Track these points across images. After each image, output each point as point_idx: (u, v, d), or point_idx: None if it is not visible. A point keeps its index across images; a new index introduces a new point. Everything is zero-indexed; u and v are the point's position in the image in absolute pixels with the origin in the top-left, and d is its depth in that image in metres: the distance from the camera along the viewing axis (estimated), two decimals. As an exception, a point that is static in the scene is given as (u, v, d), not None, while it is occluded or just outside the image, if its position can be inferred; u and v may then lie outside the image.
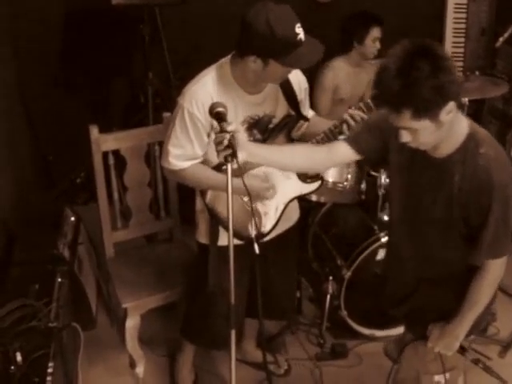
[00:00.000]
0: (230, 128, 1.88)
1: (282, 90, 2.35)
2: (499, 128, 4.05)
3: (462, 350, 2.14)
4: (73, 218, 3.08)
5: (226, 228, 2.36)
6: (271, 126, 2.41)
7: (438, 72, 1.64)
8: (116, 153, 2.89)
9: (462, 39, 4.49)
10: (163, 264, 2.98)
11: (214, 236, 2.46)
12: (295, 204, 2.64)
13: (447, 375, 2.21)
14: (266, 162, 2.14)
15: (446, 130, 1.79)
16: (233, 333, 2.02)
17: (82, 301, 3.00)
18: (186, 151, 2.27)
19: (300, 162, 2.16)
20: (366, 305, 3.25)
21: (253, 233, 2.25)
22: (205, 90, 2.20)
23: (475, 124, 1.91)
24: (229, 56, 2.27)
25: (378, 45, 3.62)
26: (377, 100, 1.81)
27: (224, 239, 2.40)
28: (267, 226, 2.47)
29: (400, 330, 3.22)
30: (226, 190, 1.84)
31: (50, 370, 2.17)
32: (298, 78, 2.41)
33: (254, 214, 2.16)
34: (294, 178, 2.47)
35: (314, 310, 3.49)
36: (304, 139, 2.48)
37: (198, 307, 2.67)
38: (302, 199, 3.43)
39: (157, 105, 3.74)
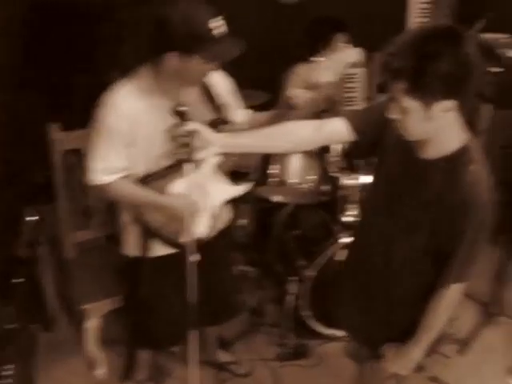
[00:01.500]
0: (189, 127, 1.88)
1: (204, 94, 2.32)
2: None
3: (419, 369, 2.11)
4: (33, 218, 3.03)
5: (159, 237, 2.39)
6: None
7: (455, 63, 1.55)
8: (77, 152, 2.86)
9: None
10: (123, 265, 2.94)
11: (146, 247, 2.40)
12: (226, 206, 2.60)
13: None
14: (246, 149, 2.04)
15: (437, 129, 1.70)
16: (193, 333, 2.02)
17: (42, 302, 2.96)
18: (108, 164, 2.19)
19: (283, 142, 2.00)
20: (327, 305, 3.28)
21: (187, 240, 2.16)
22: (125, 101, 2.11)
23: (477, 142, 1.80)
24: (145, 65, 2.18)
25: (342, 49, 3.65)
26: (385, 59, 1.64)
27: (157, 249, 2.42)
28: (201, 230, 2.43)
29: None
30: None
31: (7, 373, 2.14)
32: (221, 81, 2.39)
33: (186, 224, 2.09)
34: (225, 181, 2.44)
35: (276, 311, 3.49)
36: None
37: (136, 314, 2.66)
38: (264, 200, 3.48)
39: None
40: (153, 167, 2.25)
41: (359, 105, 4.55)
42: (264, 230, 3.66)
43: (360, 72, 4.50)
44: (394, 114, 1.70)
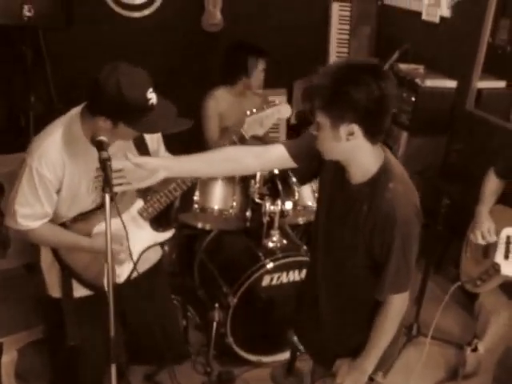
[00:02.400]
0: (104, 156, 1.91)
1: (133, 141, 2.33)
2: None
3: (371, 381, 2.13)
4: None
5: (79, 280, 2.39)
6: None
7: (369, 96, 1.67)
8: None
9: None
10: (42, 295, 2.85)
11: (67, 288, 2.39)
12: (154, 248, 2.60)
13: None
14: (189, 173, 2.09)
15: (349, 152, 1.80)
16: (113, 367, 1.96)
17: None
18: (35, 211, 2.19)
19: (225, 168, 2.08)
20: (252, 331, 3.28)
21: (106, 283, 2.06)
22: (54, 148, 2.13)
23: (393, 158, 1.91)
24: (79, 108, 2.20)
25: (262, 76, 3.71)
26: (311, 78, 1.79)
27: (79, 290, 2.42)
28: (122, 276, 2.44)
29: (286, 355, 3.28)
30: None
31: None
32: None
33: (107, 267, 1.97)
34: (147, 227, 2.46)
35: (201, 338, 3.45)
36: (154, 189, 2.42)
37: (60, 359, 2.61)
38: (188, 227, 3.46)
39: (39, 129, 3.61)
40: (78, 211, 2.29)
41: (281, 131, 4.65)
42: (187, 256, 3.63)
43: (282, 99, 4.60)
44: (313, 130, 1.81)
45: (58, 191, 2.19)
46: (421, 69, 4.15)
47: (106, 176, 1.87)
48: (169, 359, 2.92)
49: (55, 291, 2.44)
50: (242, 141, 2.38)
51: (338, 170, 1.92)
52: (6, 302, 2.79)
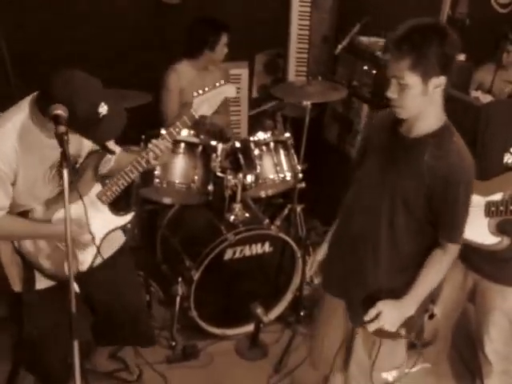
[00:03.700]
0: (61, 130, 1.89)
1: None
2: (339, 130, 4.27)
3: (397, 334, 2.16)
4: None
5: (41, 271, 2.37)
6: (77, 165, 2.37)
7: (448, 47, 1.87)
8: None
9: (306, 45, 4.69)
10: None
11: (29, 281, 2.37)
12: (116, 233, 2.57)
13: (394, 373, 2.29)
14: None
15: (426, 105, 1.95)
16: (75, 343, 1.95)
17: None
18: None
19: None
20: (215, 304, 3.29)
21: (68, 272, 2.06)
22: (7, 140, 2.09)
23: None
24: (29, 98, 2.16)
25: (226, 50, 3.68)
26: (391, 42, 1.93)
27: (42, 282, 2.40)
28: (85, 263, 2.42)
29: (250, 327, 3.31)
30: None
31: None
32: None
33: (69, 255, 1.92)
34: (107, 212, 2.43)
35: (164, 313, 3.47)
36: (112, 174, 2.44)
37: (25, 352, 2.59)
38: (150, 201, 3.43)
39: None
40: (37, 201, 2.26)
41: (243, 104, 4.63)
42: (150, 231, 3.61)
43: (243, 73, 4.57)
44: (393, 94, 1.94)
45: (14, 183, 2.16)
46: (381, 42, 4.16)
47: (63, 151, 1.84)
48: (133, 342, 2.92)
49: (16, 285, 2.41)
50: (193, 120, 2.42)
51: (388, 129, 2.10)
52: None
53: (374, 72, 3.93)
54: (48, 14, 3.77)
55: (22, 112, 2.14)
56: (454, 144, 1.98)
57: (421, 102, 1.95)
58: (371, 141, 2.22)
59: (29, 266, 2.36)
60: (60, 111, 1.95)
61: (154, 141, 2.38)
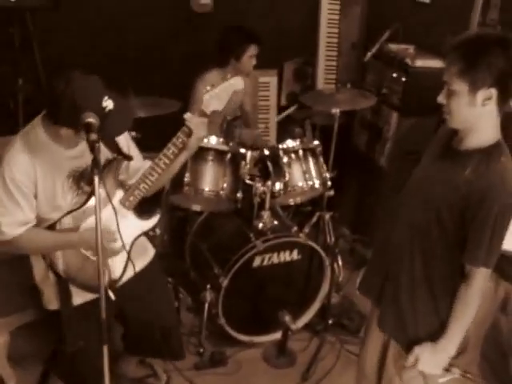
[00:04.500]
0: (92, 138, 1.93)
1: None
2: (368, 137, 4.24)
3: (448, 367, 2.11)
4: None
5: (76, 284, 2.40)
6: None
7: (507, 60, 1.79)
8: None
9: (335, 53, 4.69)
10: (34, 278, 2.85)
11: (66, 297, 2.41)
12: (144, 240, 2.62)
13: None
14: None
15: (476, 118, 1.89)
16: (105, 348, 1.98)
17: None
18: (17, 218, 2.19)
19: None
20: (243, 312, 3.30)
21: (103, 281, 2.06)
22: (22, 153, 2.16)
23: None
24: (39, 116, 2.23)
25: (254, 61, 3.69)
26: (449, 46, 1.89)
27: (78, 297, 2.43)
28: (116, 271, 2.44)
29: (278, 335, 3.31)
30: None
31: None
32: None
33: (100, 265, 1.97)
34: (132, 217, 2.45)
35: (193, 319, 3.49)
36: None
37: (65, 368, 2.64)
38: (179, 209, 3.46)
39: (28, 112, 3.60)
40: (61, 212, 2.30)
41: (272, 112, 4.63)
42: (179, 238, 3.64)
43: (272, 81, 4.59)
44: (442, 99, 1.92)
45: (35, 196, 2.21)
46: (411, 49, 4.12)
47: (94, 158, 1.87)
48: (163, 356, 2.91)
49: (52, 304, 2.45)
50: (204, 116, 2.42)
51: (444, 140, 2.06)
52: (-2, 285, 2.80)
53: (404, 79, 3.90)
54: (82, 18, 3.84)
55: (35, 127, 2.21)
56: (500, 164, 1.89)
57: (469, 113, 1.89)
58: (428, 150, 2.18)
59: (63, 282, 2.39)
60: (91, 119, 1.99)
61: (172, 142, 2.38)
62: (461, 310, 2.00)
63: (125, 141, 2.48)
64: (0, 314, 2.64)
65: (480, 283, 1.96)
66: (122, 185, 2.46)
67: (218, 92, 2.42)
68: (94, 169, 1.85)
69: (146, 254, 2.66)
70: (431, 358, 2.05)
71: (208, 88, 2.42)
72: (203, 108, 2.42)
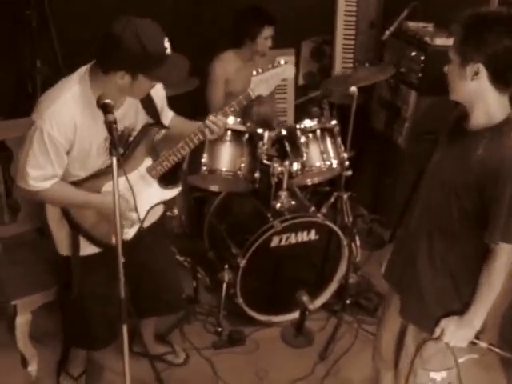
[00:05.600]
0: (110, 119, 1.92)
1: (141, 100, 2.33)
2: (386, 117, 4.21)
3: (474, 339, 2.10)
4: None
5: (87, 237, 2.43)
6: (131, 138, 2.40)
7: (491, 33, 1.78)
8: (1, 144, 2.77)
9: (353, 32, 4.64)
10: (55, 258, 2.88)
11: (75, 246, 2.43)
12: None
13: (444, 374, 2.22)
14: None
15: (471, 93, 1.89)
16: (124, 327, 2.00)
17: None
18: (46, 172, 2.19)
19: None
20: (261, 291, 3.32)
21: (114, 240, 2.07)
22: (66, 110, 2.11)
23: None
24: (88, 66, 2.18)
25: (269, 42, 3.66)
26: (459, 18, 1.89)
27: (86, 249, 2.45)
28: (130, 232, 2.46)
29: (295, 314, 3.32)
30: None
31: None
32: (158, 87, 2.39)
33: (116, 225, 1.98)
34: (155, 185, 2.46)
35: (211, 299, 3.51)
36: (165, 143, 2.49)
37: (70, 314, 2.70)
38: (197, 189, 3.47)
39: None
40: (88, 171, 2.31)
41: (289, 91, 4.60)
42: (197, 219, 3.66)
43: (290, 60, 4.55)
44: (445, 68, 1.94)
45: (68, 152, 2.19)
46: (430, 27, 4.07)
47: (112, 139, 1.88)
48: (162, 309, 2.89)
49: (64, 249, 2.47)
50: (249, 100, 2.40)
51: (455, 122, 2.05)
52: (19, 265, 2.82)
53: (423, 58, 3.86)
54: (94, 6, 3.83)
55: (81, 80, 2.15)
56: (510, 140, 1.86)
57: (463, 87, 1.90)
58: (443, 132, 2.15)
59: (75, 232, 2.41)
60: (109, 100, 1.98)
61: (211, 117, 2.37)
62: (486, 283, 1.99)
63: (162, 99, 2.48)
64: (22, 294, 2.67)
65: (503, 259, 1.95)
66: (152, 152, 2.45)
67: (268, 77, 2.38)
68: (111, 150, 1.86)
69: (155, 215, 2.63)
70: (457, 331, 2.05)
71: (260, 70, 2.37)
72: (249, 91, 2.39)
